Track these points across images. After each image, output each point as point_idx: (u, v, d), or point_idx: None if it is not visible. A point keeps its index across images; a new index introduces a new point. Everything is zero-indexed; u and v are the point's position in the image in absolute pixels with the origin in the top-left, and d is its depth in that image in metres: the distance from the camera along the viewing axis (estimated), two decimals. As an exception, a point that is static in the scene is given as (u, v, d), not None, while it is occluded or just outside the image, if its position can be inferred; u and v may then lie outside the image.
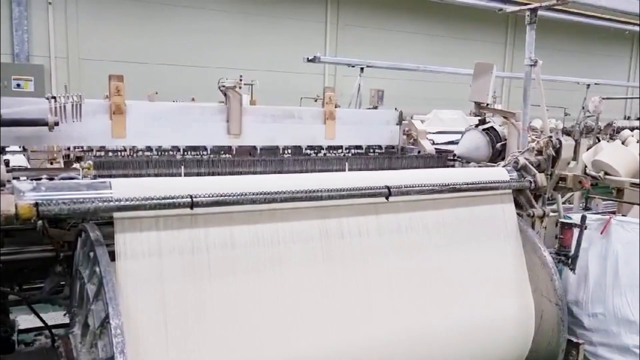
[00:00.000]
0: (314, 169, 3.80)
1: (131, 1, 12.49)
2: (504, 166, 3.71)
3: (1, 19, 11.00)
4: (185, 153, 3.93)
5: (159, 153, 3.86)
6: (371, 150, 4.62)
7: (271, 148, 4.22)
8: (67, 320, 2.86)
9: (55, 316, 3.41)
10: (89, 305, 2.39)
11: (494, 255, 3.41)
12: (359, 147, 4.58)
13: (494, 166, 3.96)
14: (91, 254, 2.41)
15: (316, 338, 2.77)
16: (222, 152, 4.04)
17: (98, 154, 3.72)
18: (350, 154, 4.46)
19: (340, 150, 4.46)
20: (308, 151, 4.33)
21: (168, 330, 2.43)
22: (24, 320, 3.44)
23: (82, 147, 3.79)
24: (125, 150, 3.79)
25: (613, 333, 3.66)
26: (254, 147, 4.18)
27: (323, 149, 4.40)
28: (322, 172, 3.71)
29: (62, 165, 3.74)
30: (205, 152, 3.99)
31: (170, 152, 3.90)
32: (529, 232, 3.53)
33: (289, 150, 4.27)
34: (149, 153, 3.83)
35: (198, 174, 3.39)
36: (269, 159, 3.84)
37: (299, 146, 4.32)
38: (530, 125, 4.41)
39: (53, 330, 3.25)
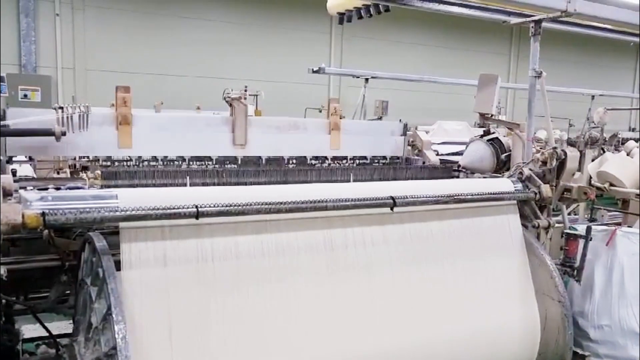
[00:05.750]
0: (318, 179, 3.81)
1: (137, 13, 12.58)
2: (508, 177, 3.71)
3: (9, 30, 11.11)
4: (191, 163, 3.95)
5: (165, 163, 3.89)
6: (376, 161, 4.62)
7: (276, 158, 4.24)
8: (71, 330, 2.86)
9: (60, 325, 3.41)
10: (91, 304, 2.41)
11: (499, 266, 3.40)
12: (363, 157, 4.59)
13: (498, 177, 3.96)
14: (94, 259, 2.43)
15: (321, 348, 2.76)
16: (227, 162, 4.06)
17: (104, 164, 3.75)
18: (355, 164, 4.47)
19: (345, 161, 4.46)
20: (313, 162, 4.34)
21: (173, 339, 2.43)
22: (28, 329, 3.44)
23: (88, 157, 3.82)
24: (131, 160, 3.81)
25: (619, 345, 3.64)
26: (259, 158, 4.20)
27: (328, 160, 4.41)
28: (326, 182, 3.71)
29: (69, 175, 3.77)
30: (210, 162, 4.01)
31: (176, 162, 3.93)
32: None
33: (294, 161, 4.28)
34: (154, 163, 3.86)
35: (203, 184, 3.41)
36: (274, 169, 3.85)
37: (304, 157, 4.33)
38: (534, 136, 4.41)
39: (56, 340, 3.25)
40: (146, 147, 3.83)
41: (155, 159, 3.89)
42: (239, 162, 4.11)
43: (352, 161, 4.51)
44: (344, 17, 5.24)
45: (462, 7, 3.98)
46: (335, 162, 4.43)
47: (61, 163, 3.92)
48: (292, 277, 2.74)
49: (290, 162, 4.27)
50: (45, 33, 11.71)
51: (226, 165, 4.00)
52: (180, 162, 3.93)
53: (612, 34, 4.88)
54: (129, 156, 3.78)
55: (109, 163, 3.77)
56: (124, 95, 3.70)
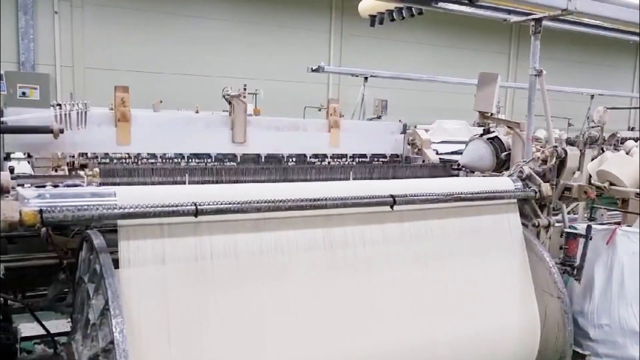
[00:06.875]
0: (318, 177, 3.79)
1: (136, 11, 12.56)
2: (508, 176, 3.69)
3: (8, 28, 11.08)
4: (190, 160, 3.94)
5: (163, 161, 3.87)
6: (375, 160, 4.61)
7: (275, 156, 4.23)
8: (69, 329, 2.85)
9: (58, 324, 3.40)
10: (89, 301, 2.40)
11: (499, 265, 3.39)
12: (363, 156, 4.58)
13: (498, 176, 3.95)
14: (92, 256, 2.42)
15: (320, 347, 2.75)
16: (227, 160, 4.05)
17: (103, 161, 3.73)
18: (354, 163, 4.46)
19: (344, 159, 4.45)
20: (312, 160, 4.33)
21: (171, 337, 2.42)
22: (26, 328, 3.43)
23: (86, 155, 3.80)
24: (129, 157, 3.80)
25: (619, 344, 3.63)
26: (258, 155, 4.19)
27: (327, 157, 4.40)
28: (326, 180, 3.70)
29: (67, 173, 3.75)
30: (209, 160, 4.00)
31: (175, 160, 3.92)
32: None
33: (294, 159, 4.27)
34: (153, 160, 3.84)
35: (202, 182, 3.40)
36: (273, 167, 3.84)
37: (304, 155, 4.32)
38: (534, 135, 4.40)
39: (54, 338, 3.24)
40: (145, 144, 3.81)
41: (154, 156, 3.87)
42: (238, 159, 4.10)
43: (351, 159, 4.50)
44: (375, 20, 5.23)
45: (463, 5, 3.96)
46: (335, 160, 4.42)
47: (59, 161, 3.90)
48: (291, 275, 2.73)
49: (290, 160, 4.26)
50: (43, 31, 11.68)
51: (225, 163, 3.98)
52: (179, 160, 3.91)
53: (612, 33, 4.87)
54: (128, 154, 3.76)
55: (107, 160, 3.75)
56: (122, 95, 3.69)
